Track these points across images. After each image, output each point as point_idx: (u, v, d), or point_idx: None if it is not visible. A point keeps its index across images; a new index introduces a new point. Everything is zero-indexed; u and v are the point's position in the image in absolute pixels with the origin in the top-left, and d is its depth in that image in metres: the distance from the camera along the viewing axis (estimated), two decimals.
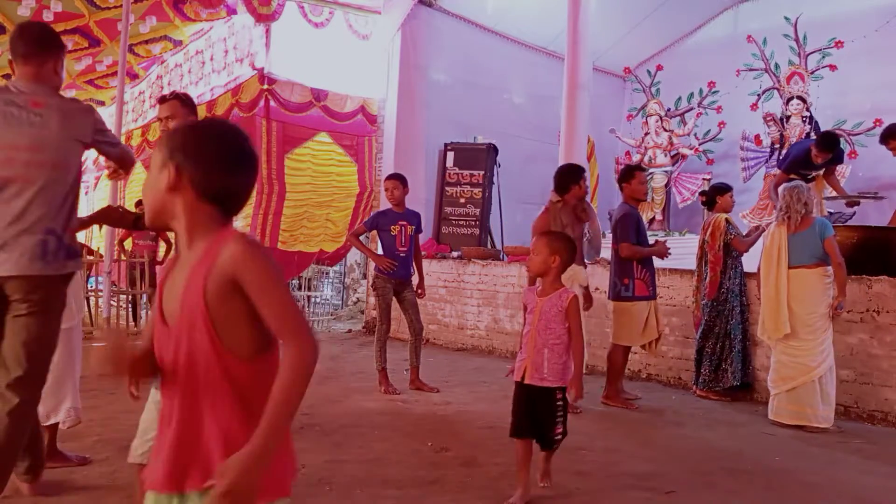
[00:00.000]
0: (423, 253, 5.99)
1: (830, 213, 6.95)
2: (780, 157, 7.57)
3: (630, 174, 5.34)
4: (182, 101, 3.00)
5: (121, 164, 3.06)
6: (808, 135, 7.89)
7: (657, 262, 5.42)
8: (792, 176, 6.31)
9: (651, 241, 5.66)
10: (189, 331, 1.28)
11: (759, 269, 4.92)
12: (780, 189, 4.89)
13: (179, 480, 1.28)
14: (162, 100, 3.04)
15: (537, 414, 3.07)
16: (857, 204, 6.89)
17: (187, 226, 1.33)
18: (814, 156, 6.46)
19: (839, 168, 7.77)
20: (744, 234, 5.80)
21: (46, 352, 2.68)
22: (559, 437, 3.09)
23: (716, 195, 5.68)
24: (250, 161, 1.38)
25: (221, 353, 1.27)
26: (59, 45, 2.81)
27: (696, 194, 9.01)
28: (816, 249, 4.58)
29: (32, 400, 2.66)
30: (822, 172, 6.82)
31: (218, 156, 1.33)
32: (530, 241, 3.82)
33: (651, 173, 9.44)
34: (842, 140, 8.05)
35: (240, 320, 1.28)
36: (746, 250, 5.45)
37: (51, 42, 2.77)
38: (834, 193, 7.11)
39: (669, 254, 5.33)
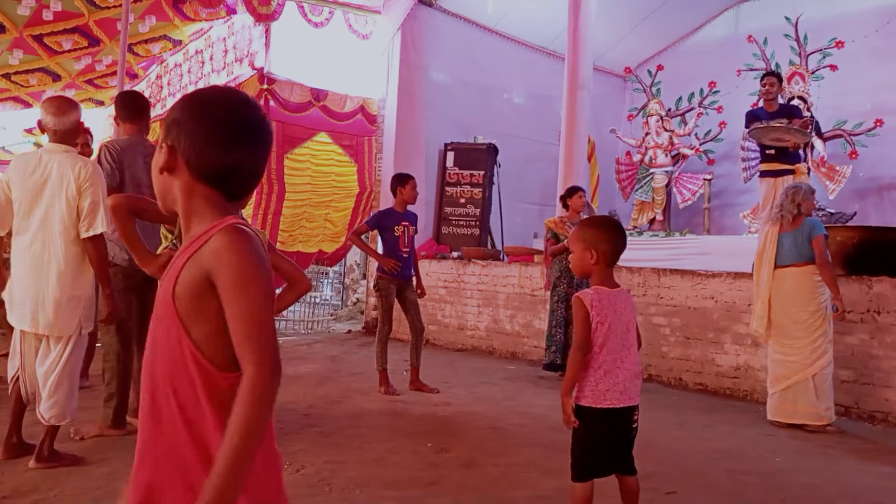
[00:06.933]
0: (422, 253, 5.98)
1: (831, 213, 6.95)
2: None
3: None
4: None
5: None
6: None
7: (660, 262, 5.40)
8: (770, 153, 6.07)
9: (650, 241, 5.64)
10: (163, 325, 1.14)
11: (752, 268, 4.92)
12: (782, 191, 4.90)
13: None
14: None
15: None
16: (799, 146, 6.21)
17: (184, 211, 1.19)
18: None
19: (839, 168, 7.77)
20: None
21: None
22: (571, 461, 2.51)
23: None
24: (255, 134, 1.19)
25: (195, 356, 1.11)
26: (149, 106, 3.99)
27: (696, 195, 9.02)
28: (805, 248, 4.58)
29: None
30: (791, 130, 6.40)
31: (214, 129, 1.16)
32: None
33: (652, 173, 9.44)
34: (842, 141, 8.06)
35: (219, 324, 1.10)
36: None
37: (146, 107, 3.94)
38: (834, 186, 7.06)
39: None
